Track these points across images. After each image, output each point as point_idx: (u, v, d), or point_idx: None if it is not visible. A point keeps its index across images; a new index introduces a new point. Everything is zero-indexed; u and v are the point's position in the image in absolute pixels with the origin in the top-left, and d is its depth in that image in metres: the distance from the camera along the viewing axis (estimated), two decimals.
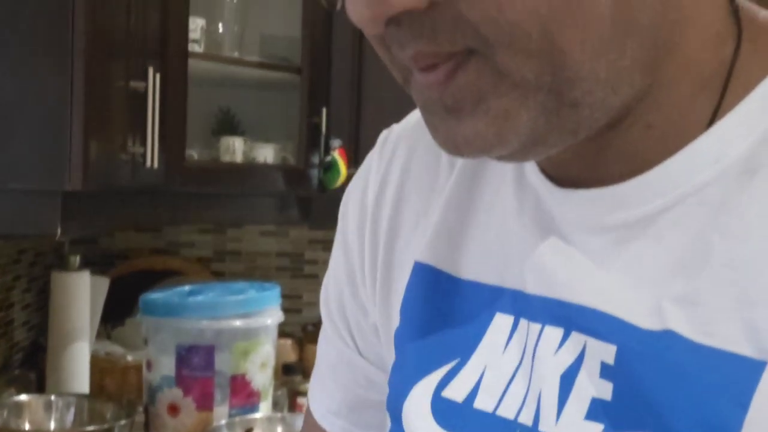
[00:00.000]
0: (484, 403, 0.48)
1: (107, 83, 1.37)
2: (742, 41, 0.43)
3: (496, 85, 0.40)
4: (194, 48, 1.91)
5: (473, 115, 0.41)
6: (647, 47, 0.41)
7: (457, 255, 0.52)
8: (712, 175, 0.42)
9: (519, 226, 0.49)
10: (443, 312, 0.52)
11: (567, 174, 0.47)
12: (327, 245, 2.58)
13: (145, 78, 1.52)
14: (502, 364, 0.48)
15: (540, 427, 0.45)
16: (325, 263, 2.71)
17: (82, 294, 1.96)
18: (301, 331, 2.45)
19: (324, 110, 2.11)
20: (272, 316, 1.84)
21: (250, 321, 1.77)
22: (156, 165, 1.56)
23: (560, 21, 0.38)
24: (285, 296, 2.51)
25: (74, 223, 1.32)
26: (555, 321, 0.45)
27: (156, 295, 1.79)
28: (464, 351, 0.50)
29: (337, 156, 2.12)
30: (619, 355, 0.42)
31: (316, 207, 2.24)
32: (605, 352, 0.43)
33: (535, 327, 0.47)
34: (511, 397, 0.47)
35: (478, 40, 0.39)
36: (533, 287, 0.47)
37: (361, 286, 0.61)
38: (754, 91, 0.42)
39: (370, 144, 2.24)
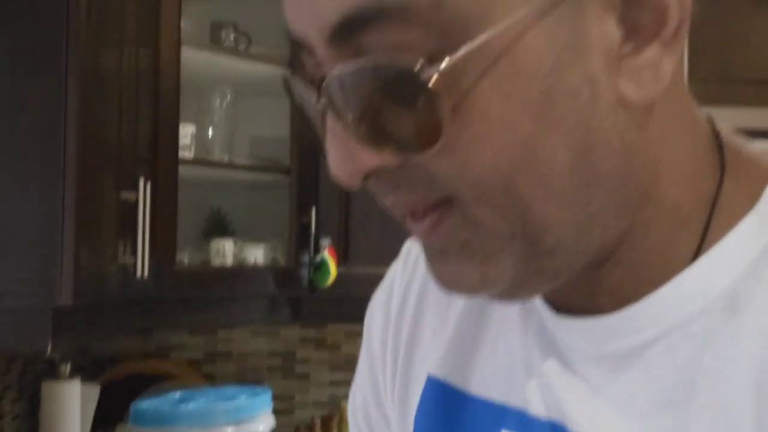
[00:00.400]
0: None
1: (98, 196, 1.38)
2: (725, 177, 0.44)
3: (477, 233, 0.42)
4: (184, 154, 1.94)
5: (458, 260, 0.43)
6: (617, 193, 0.42)
7: (468, 370, 0.54)
8: (697, 309, 0.43)
9: (523, 345, 0.50)
10: (452, 428, 0.53)
11: (563, 302, 0.48)
12: (318, 344, 2.57)
13: (135, 188, 1.54)
14: None
15: None
16: (317, 362, 2.68)
17: (72, 403, 1.93)
18: None
19: (313, 209, 2.13)
20: (264, 422, 1.81)
21: (241, 428, 1.75)
22: (146, 275, 1.56)
23: (521, 176, 0.40)
24: (277, 397, 2.48)
25: (65, 338, 1.31)
26: None
27: (145, 404, 1.77)
28: None
29: (327, 255, 2.13)
30: None
31: (306, 306, 2.24)
32: None
33: None
34: None
35: (451, 191, 0.41)
36: (537, 408, 0.49)
37: (383, 396, 0.62)
38: (737, 227, 0.43)
39: (359, 242, 2.23)
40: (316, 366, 2.51)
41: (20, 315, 1.24)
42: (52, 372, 1.97)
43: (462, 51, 0.37)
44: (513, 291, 0.44)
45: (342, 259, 2.18)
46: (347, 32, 0.39)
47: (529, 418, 0.49)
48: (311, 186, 2.16)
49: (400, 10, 0.37)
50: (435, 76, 0.37)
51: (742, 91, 2.20)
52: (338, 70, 0.39)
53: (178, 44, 1.85)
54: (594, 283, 0.45)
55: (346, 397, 2.64)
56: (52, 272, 1.23)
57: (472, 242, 0.42)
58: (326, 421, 2.42)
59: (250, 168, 2.13)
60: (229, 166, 2.10)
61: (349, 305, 2.38)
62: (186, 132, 1.94)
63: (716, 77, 2.23)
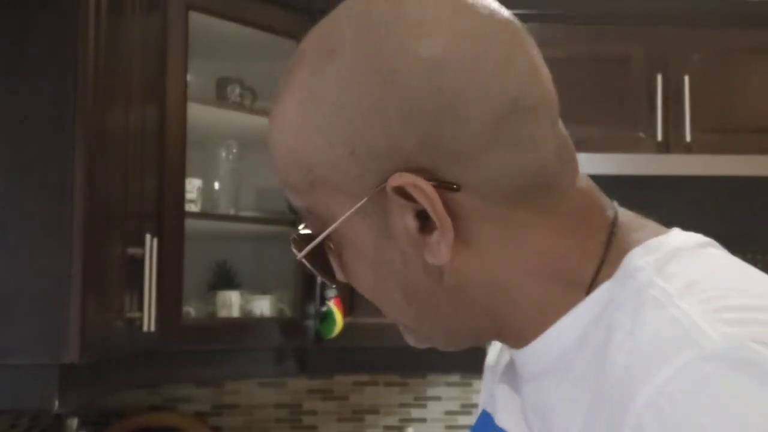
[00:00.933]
0: None
1: (105, 253, 1.40)
2: (603, 264, 0.61)
3: (394, 321, 0.68)
4: (191, 208, 1.96)
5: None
6: (462, 310, 0.63)
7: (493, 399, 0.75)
8: (562, 348, 0.62)
9: (504, 366, 0.73)
10: None
11: None
12: (326, 395, 2.56)
13: (142, 244, 1.56)
14: None
15: None
16: (324, 413, 2.65)
17: None
18: None
19: None
20: None
21: None
22: (153, 328, 1.57)
23: (381, 305, 0.65)
24: None
25: (72, 395, 1.32)
26: None
27: None
28: None
29: (333, 306, 2.14)
30: None
31: (313, 357, 2.24)
32: None
33: None
34: None
35: None
36: (490, 408, 0.73)
37: None
38: (592, 294, 0.61)
39: None
40: (323, 417, 2.50)
41: (27, 372, 1.25)
42: (58, 427, 1.97)
43: (325, 234, 0.63)
44: (438, 346, 0.68)
45: (348, 309, 2.18)
46: (291, 211, 0.69)
47: (490, 417, 0.73)
48: None
49: (299, 209, 0.65)
50: (309, 248, 0.64)
51: (743, 140, 2.22)
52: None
53: (184, 100, 1.88)
54: (501, 338, 0.68)
55: None
56: (59, 330, 1.24)
57: (396, 323, 0.68)
58: None
59: (255, 220, 2.15)
60: (235, 218, 2.12)
61: (356, 356, 2.38)
62: (192, 186, 1.97)
63: (718, 126, 2.25)
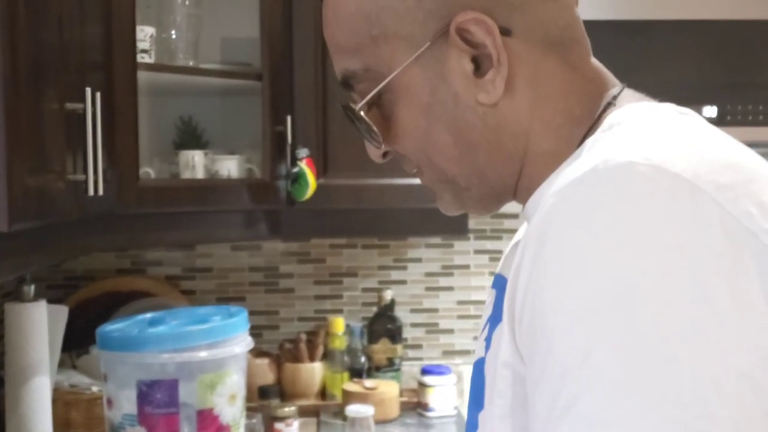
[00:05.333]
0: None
1: (34, 108, 1.24)
2: (594, 126, 0.71)
3: (433, 182, 0.78)
4: (144, 58, 1.78)
5: (436, 196, 0.80)
6: (496, 152, 0.73)
7: None
8: (543, 201, 0.67)
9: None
10: None
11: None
12: (302, 258, 2.46)
13: (82, 99, 1.40)
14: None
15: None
16: (301, 276, 2.54)
17: (38, 325, 1.83)
18: (278, 348, 2.33)
19: (288, 118, 1.98)
20: (240, 344, 1.71)
21: (216, 351, 1.65)
22: (101, 192, 1.43)
23: (428, 151, 0.75)
24: (260, 313, 2.39)
25: (6, 265, 1.20)
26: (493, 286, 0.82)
27: (112, 328, 1.67)
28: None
29: (305, 166, 2.00)
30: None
31: (285, 220, 2.12)
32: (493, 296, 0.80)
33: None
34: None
35: (416, 164, 0.78)
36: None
37: None
38: (575, 153, 0.69)
39: (339, 152, 2.08)
40: (299, 280, 2.42)
41: None
42: (17, 293, 1.88)
43: (380, 90, 0.73)
44: (465, 209, 0.79)
45: (321, 170, 2.05)
46: (343, 85, 0.77)
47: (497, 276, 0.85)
48: (285, 93, 2.01)
49: (354, 75, 0.75)
50: (372, 108, 0.75)
51: None
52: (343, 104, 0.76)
53: None
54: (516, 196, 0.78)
55: (332, 311, 2.54)
56: None
57: (434, 188, 0.79)
58: (312, 336, 2.34)
59: (219, 73, 1.98)
60: (195, 70, 1.94)
61: (332, 218, 2.26)
62: (145, 34, 1.78)
63: None
